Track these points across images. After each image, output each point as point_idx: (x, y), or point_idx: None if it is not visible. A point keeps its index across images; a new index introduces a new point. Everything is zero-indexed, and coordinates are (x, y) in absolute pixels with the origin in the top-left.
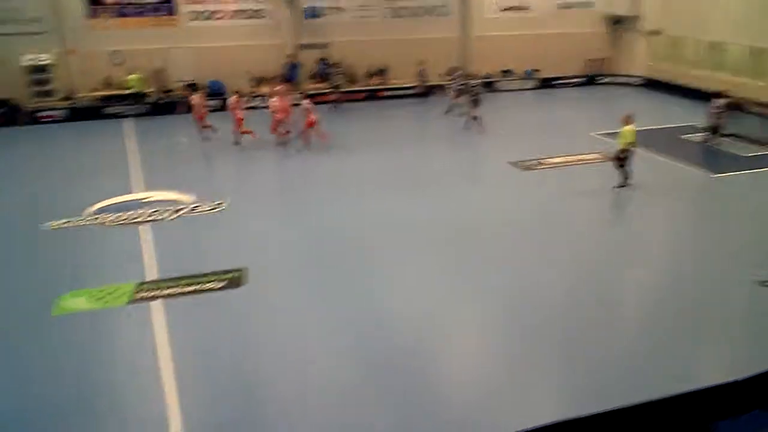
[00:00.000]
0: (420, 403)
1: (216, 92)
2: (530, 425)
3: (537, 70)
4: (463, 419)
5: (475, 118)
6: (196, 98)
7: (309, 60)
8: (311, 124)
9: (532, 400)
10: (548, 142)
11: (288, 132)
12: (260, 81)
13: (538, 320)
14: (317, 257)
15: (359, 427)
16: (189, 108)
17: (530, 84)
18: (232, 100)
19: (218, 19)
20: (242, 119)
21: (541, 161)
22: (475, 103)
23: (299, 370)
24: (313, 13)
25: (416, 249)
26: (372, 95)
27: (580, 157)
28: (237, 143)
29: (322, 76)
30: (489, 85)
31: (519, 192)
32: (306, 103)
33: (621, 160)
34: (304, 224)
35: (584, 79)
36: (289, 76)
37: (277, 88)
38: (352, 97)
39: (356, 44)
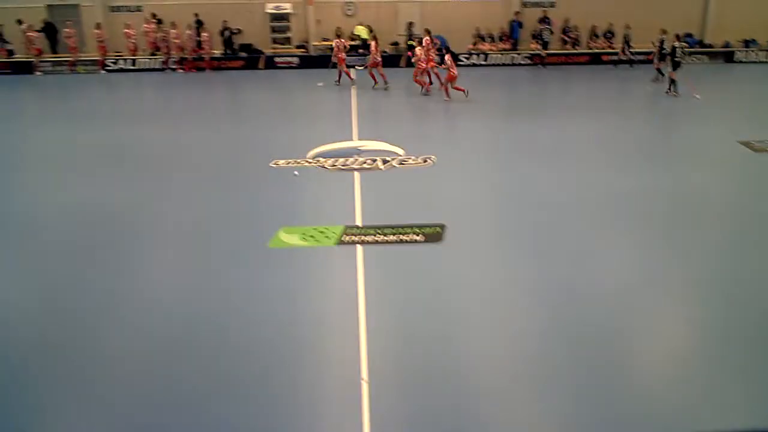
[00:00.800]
0: (607, 385)
1: (439, 47)
2: None
3: None
4: (650, 414)
5: (673, 81)
6: (337, 42)
7: (533, 18)
8: (452, 78)
9: (724, 407)
10: None
11: (429, 83)
12: (483, 38)
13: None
14: (519, 223)
15: (546, 399)
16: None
17: None
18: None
19: None
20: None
21: None
22: (676, 65)
23: (487, 332)
24: None
25: (620, 226)
26: (596, 59)
27: None
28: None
29: (538, 35)
30: (727, 56)
31: (750, 175)
32: (447, 58)
33: None
34: (508, 188)
35: None
36: (512, 34)
37: (426, 38)
38: (574, 60)
39: (583, 4)
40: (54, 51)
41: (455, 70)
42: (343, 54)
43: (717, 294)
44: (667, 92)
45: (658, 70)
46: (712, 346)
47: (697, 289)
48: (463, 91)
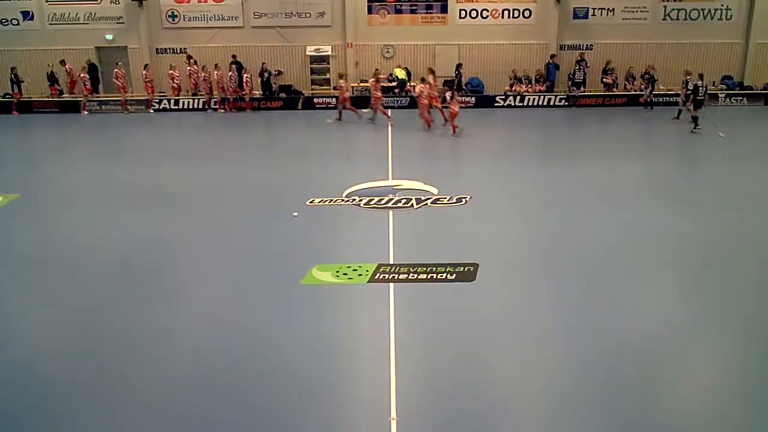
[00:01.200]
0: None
1: (474, 89)
2: None
3: None
4: None
5: (695, 118)
6: (342, 83)
7: (570, 61)
8: (453, 114)
9: None
10: None
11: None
12: (520, 80)
13: None
14: (552, 263)
15: None
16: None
17: None
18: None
19: (485, 17)
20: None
21: None
22: (698, 104)
23: (518, 373)
24: (582, 14)
25: (655, 266)
26: (632, 100)
27: None
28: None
29: (572, 77)
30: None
31: None
32: (447, 94)
33: None
34: (541, 227)
35: None
36: (548, 76)
37: (430, 77)
38: (610, 102)
39: (622, 47)
40: (95, 90)
41: (456, 107)
42: (347, 94)
43: (753, 336)
44: (692, 132)
45: (679, 111)
46: (748, 390)
47: (730, 329)
48: (455, 129)
